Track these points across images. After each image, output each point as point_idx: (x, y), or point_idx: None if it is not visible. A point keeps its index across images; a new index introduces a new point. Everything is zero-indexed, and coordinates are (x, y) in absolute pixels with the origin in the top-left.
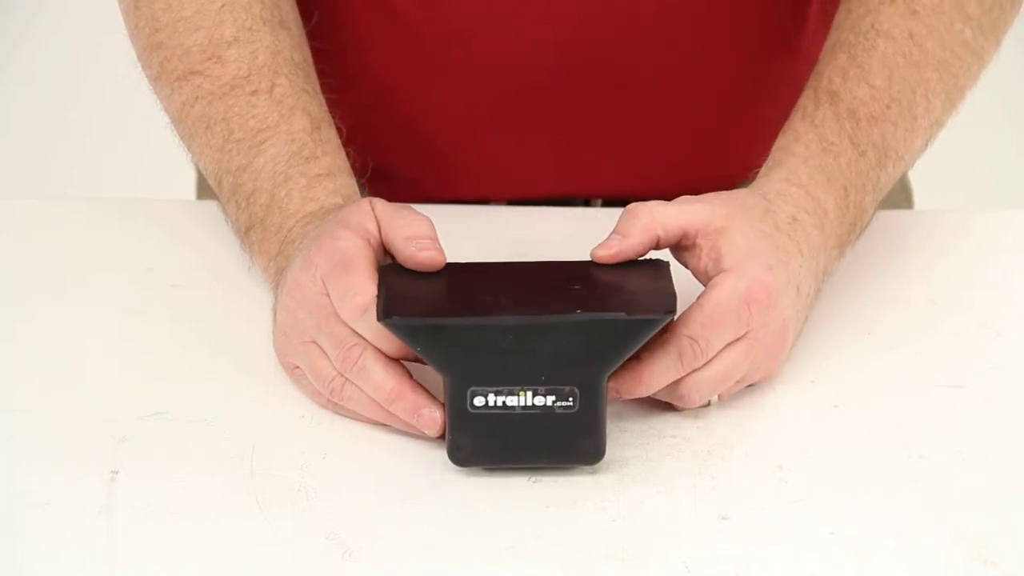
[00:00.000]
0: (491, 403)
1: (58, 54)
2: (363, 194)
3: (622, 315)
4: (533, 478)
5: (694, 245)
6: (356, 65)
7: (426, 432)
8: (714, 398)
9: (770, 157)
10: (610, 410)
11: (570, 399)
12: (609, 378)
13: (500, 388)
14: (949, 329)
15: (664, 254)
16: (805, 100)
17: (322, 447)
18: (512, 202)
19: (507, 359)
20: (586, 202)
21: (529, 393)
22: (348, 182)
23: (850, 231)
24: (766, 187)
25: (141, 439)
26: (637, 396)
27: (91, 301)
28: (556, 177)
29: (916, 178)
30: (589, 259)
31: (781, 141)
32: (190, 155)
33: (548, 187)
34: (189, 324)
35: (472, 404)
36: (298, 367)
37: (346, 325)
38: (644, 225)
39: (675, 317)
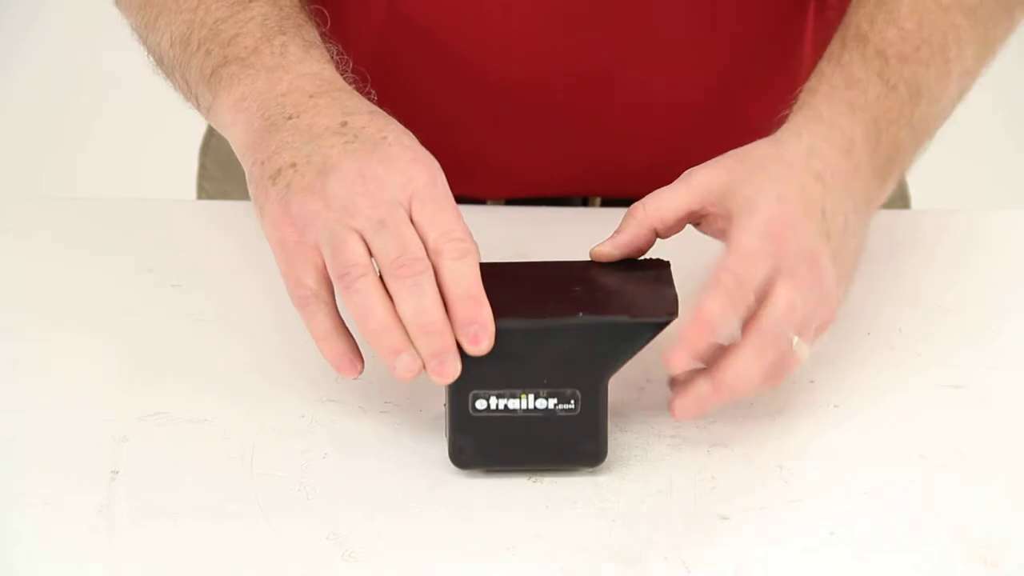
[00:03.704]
0: (493, 406)
1: (58, 54)
2: None
3: (624, 317)
4: (533, 478)
5: (706, 215)
6: (350, 54)
7: (437, 378)
8: (797, 343)
9: (796, 101)
10: (610, 410)
11: (572, 402)
12: (676, 341)
13: (502, 391)
14: (949, 329)
15: (663, 250)
16: (833, 46)
17: (322, 447)
18: (508, 201)
19: (509, 362)
20: (584, 201)
21: (531, 396)
22: (334, 60)
23: (886, 165)
24: (782, 131)
25: (141, 439)
26: (704, 345)
27: (91, 301)
28: (552, 176)
29: (914, 178)
30: (589, 260)
31: (807, 84)
32: (150, 42)
33: (544, 186)
34: (189, 324)
35: (474, 407)
36: (301, 244)
37: (418, 235)
38: (638, 221)
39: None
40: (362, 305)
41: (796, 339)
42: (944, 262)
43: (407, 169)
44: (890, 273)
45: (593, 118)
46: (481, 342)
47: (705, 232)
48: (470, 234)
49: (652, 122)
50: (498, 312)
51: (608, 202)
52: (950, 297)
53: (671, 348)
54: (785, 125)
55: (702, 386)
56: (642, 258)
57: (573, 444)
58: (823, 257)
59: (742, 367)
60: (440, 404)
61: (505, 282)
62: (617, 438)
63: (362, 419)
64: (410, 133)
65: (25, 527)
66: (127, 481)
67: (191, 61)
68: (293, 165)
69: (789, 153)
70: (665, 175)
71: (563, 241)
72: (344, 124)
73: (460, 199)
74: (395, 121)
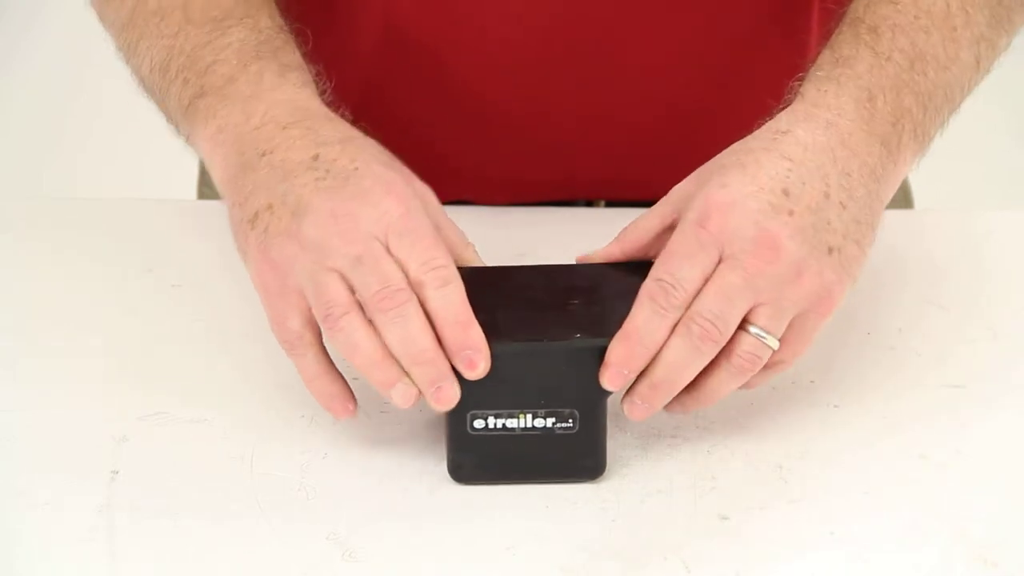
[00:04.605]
0: (491, 425)
1: (58, 54)
2: None
3: None
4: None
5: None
6: (349, 64)
7: (437, 406)
8: (771, 341)
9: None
10: (610, 409)
11: (570, 421)
12: (603, 365)
13: (500, 411)
14: (949, 329)
15: None
16: (830, 35)
17: (322, 447)
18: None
19: (507, 383)
20: (588, 203)
21: (529, 416)
22: (312, 81)
23: (893, 130)
24: (763, 126)
25: (141, 439)
26: (636, 360)
27: (91, 301)
28: (554, 183)
29: (915, 178)
30: (589, 263)
31: (801, 75)
32: (132, 65)
33: (546, 194)
34: (189, 324)
35: (472, 426)
36: (286, 289)
37: (398, 267)
38: (619, 242)
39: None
40: (347, 342)
41: (756, 328)
42: (944, 262)
43: (380, 202)
44: (890, 273)
45: (594, 123)
46: (477, 366)
47: None
48: (451, 257)
49: (654, 124)
50: (495, 333)
51: (612, 203)
52: (950, 297)
53: (603, 369)
54: (771, 118)
55: (641, 385)
56: (642, 260)
57: (572, 460)
58: (778, 232)
59: (672, 358)
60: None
61: (503, 292)
62: (617, 438)
63: (362, 419)
64: (386, 156)
65: (25, 527)
66: (127, 481)
67: (170, 89)
68: (269, 207)
69: (756, 140)
70: (669, 177)
71: (565, 242)
72: (316, 157)
73: (463, 204)
74: (370, 145)
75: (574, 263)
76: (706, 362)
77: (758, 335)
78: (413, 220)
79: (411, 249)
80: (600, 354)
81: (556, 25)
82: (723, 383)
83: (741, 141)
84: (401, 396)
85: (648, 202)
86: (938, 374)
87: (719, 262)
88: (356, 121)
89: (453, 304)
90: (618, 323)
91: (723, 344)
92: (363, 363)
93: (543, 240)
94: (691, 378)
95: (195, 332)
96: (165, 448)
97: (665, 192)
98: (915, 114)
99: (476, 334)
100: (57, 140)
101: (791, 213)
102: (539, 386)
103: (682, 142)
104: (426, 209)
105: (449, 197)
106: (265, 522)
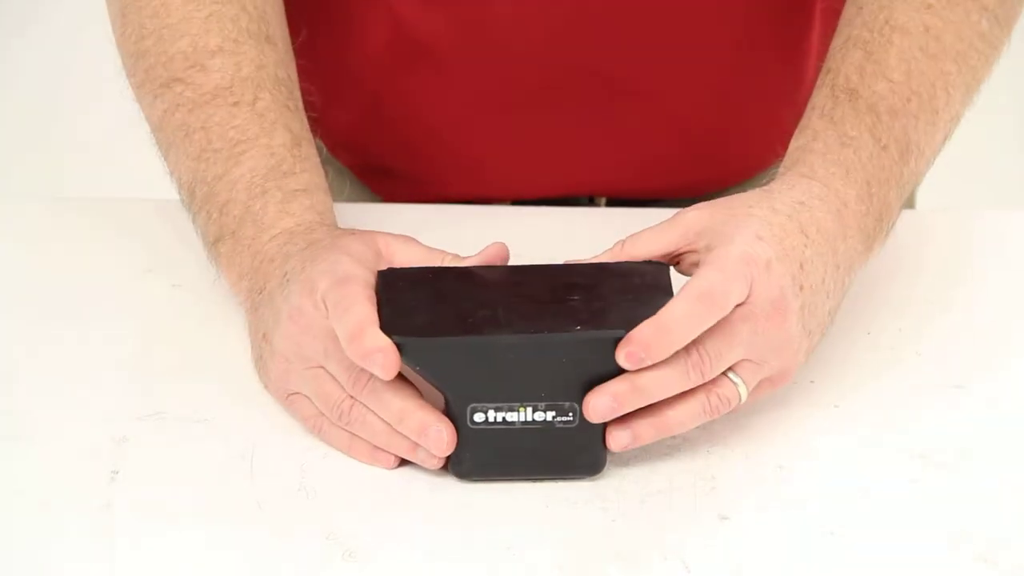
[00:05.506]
0: (491, 419)
1: (58, 54)
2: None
3: (621, 332)
4: (533, 478)
5: (683, 255)
6: (357, 64)
7: (433, 451)
8: (744, 394)
9: (787, 156)
10: None
11: (570, 414)
12: (624, 339)
13: (500, 404)
14: (949, 329)
15: None
16: (822, 99)
17: (322, 447)
18: (514, 202)
19: (507, 376)
20: (591, 200)
21: (529, 409)
22: (325, 199)
23: (876, 226)
24: (775, 183)
25: (141, 439)
26: (660, 348)
27: (91, 301)
28: (557, 176)
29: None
30: (586, 261)
31: (799, 140)
32: (167, 165)
33: (549, 187)
34: (189, 324)
35: (472, 420)
36: (295, 394)
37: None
38: (612, 254)
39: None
40: (364, 428)
41: (737, 378)
42: (945, 262)
43: (311, 291)
44: (890, 273)
45: (600, 119)
46: (383, 369)
47: (683, 271)
48: (368, 306)
49: (658, 121)
50: (496, 326)
51: (613, 202)
52: (950, 297)
53: (623, 344)
54: (778, 179)
55: (619, 384)
56: (642, 261)
57: (572, 455)
58: (791, 304)
59: (661, 375)
60: (440, 406)
61: (504, 289)
62: None
63: None
64: (327, 242)
65: (25, 527)
66: (127, 481)
67: (197, 216)
68: (264, 336)
69: (777, 202)
70: (672, 173)
71: (568, 241)
72: (284, 275)
73: (469, 201)
74: (322, 237)
75: (574, 262)
76: (683, 389)
77: (738, 384)
78: (332, 296)
79: (339, 329)
80: (599, 346)
81: (563, 26)
82: (690, 416)
83: (761, 194)
84: (425, 457)
85: (649, 202)
86: (938, 374)
87: (746, 296)
88: (365, 122)
89: (386, 405)
90: (618, 319)
91: (706, 381)
92: (383, 440)
93: (543, 240)
94: (662, 398)
95: (195, 332)
96: (165, 448)
97: (665, 191)
98: (894, 209)
99: (420, 414)
100: (57, 140)
101: (802, 288)
102: (539, 379)
103: (684, 144)
104: (376, 262)
105: (454, 195)
106: (265, 522)
